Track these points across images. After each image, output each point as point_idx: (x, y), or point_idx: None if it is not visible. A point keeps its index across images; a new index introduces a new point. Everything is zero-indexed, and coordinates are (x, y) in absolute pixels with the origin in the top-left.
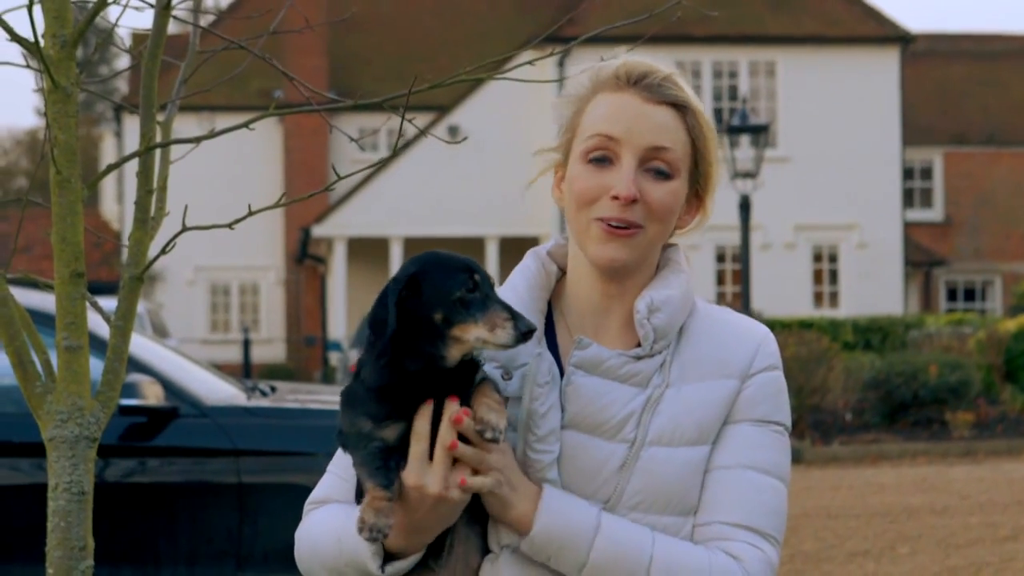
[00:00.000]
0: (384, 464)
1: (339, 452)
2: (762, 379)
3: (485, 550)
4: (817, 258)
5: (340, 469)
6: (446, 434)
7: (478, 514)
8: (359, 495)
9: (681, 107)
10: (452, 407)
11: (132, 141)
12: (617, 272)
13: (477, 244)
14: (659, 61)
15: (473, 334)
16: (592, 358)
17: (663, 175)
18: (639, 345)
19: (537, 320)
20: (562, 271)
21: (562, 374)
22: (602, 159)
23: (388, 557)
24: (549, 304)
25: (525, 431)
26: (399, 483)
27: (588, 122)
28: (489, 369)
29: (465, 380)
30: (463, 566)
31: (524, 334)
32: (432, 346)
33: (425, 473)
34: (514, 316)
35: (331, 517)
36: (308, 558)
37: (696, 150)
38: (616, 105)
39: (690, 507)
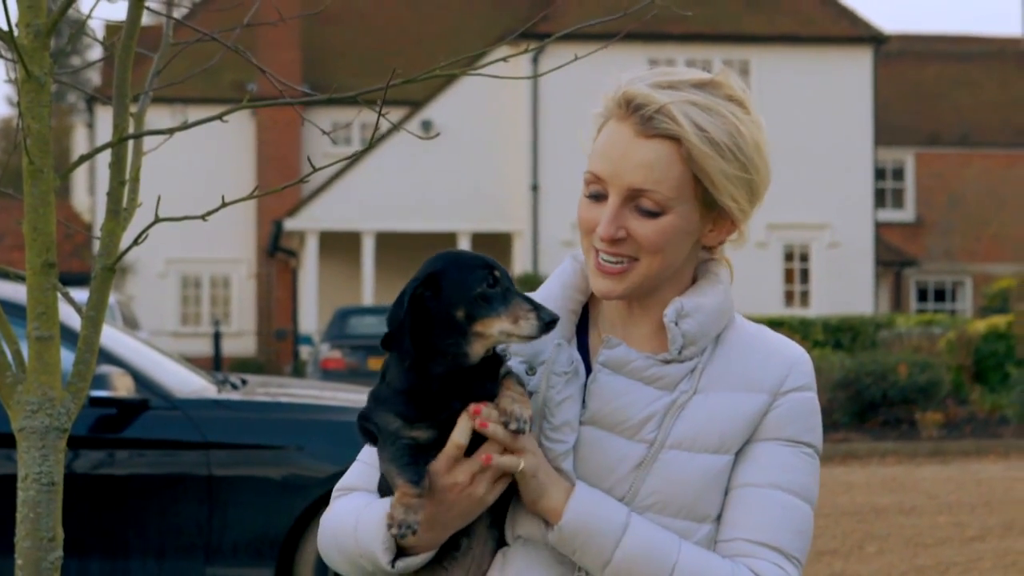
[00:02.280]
0: (413, 460)
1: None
2: (795, 399)
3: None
4: (788, 257)
5: (369, 457)
6: (462, 432)
7: (498, 517)
8: (382, 490)
9: (677, 139)
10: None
11: (104, 132)
12: (608, 299)
13: (449, 239)
14: (669, 81)
15: (497, 327)
16: (619, 358)
17: (651, 213)
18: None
19: (565, 316)
20: None
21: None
22: (595, 195)
23: (400, 553)
24: (586, 307)
25: (540, 419)
26: (428, 479)
27: (593, 151)
28: (514, 364)
29: (490, 378)
30: (476, 568)
31: (547, 324)
32: (455, 344)
33: (454, 467)
34: (536, 307)
35: (352, 506)
36: (328, 544)
37: (699, 180)
38: (611, 140)
39: (703, 514)
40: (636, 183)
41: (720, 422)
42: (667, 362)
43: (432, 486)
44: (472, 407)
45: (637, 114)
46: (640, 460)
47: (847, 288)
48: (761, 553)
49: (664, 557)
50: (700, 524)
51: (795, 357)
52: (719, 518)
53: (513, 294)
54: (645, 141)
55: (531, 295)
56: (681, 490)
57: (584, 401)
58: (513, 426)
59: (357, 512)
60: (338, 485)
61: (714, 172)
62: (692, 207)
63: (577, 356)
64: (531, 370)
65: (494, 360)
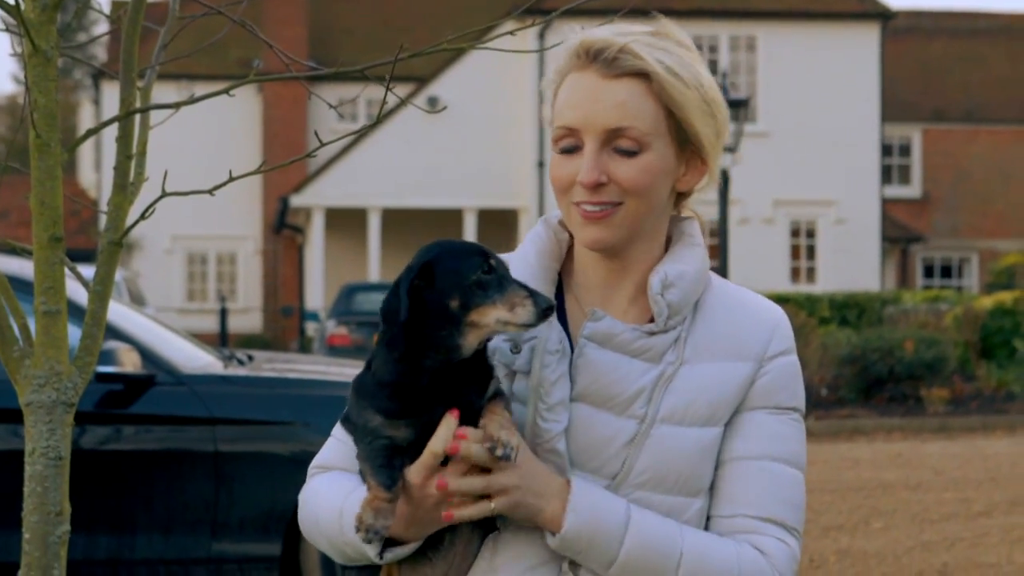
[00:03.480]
0: (388, 462)
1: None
2: (779, 364)
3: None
4: (795, 233)
5: (344, 434)
6: (441, 440)
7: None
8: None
9: (644, 75)
10: (450, 422)
11: (110, 108)
12: (608, 252)
13: (455, 216)
14: (621, 30)
15: (493, 316)
16: (605, 331)
17: (629, 152)
18: (651, 319)
19: (549, 292)
20: (572, 239)
21: (571, 346)
22: (569, 148)
23: (387, 543)
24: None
25: (535, 399)
26: (401, 483)
27: (557, 108)
28: (498, 342)
29: (477, 383)
30: (461, 559)
31: (544, 311)
32: (449, 335)
33: (430, 478)
34: (532, 294)
35: (334, 489)
36: (311, 527)
37: (673, 115)
38: (576, 88)
39: (696, 488)
40: (612, 123)
41: (708, 393)
42: (652, 333)
43: (407, 490)
44: (458, 430)
45: (599, 59)
46: (632, 436)
47: (853, 264)
48: (763, 528)
49: (669, 547)
50: (693, 499)
51: (776, 319)
52: (711, 490)
53: (509, 281)
54: (613, 82)
55: (506, 258)
56: (674, 466)
57: (571, 377)
58: (499, 452)
59: (341, 501)
60: (314, 462)
61: (686, 103)
62: (667, 144)
63: (562, 331)
64: (516, 348)
65: (483, 362)
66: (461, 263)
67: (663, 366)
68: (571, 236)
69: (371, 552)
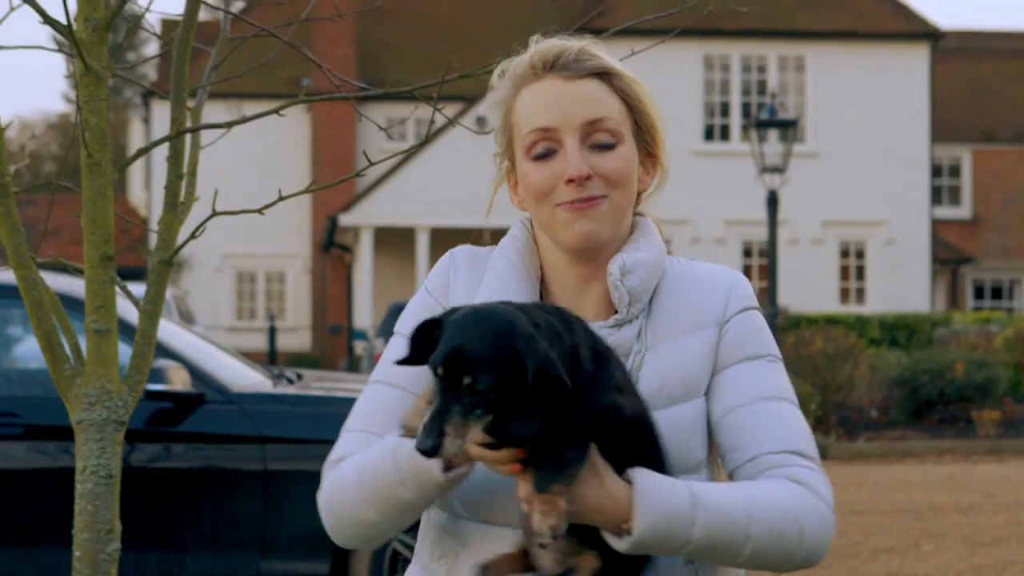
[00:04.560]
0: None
1: (356, 409)
2: (738, 321)
3: None
4: (844, 254)
5: (359, 423)
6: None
7: None
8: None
9: (604, 74)
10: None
11: (160, 127)
12: (592, 248)
13: (503, 236)
14: (569, 39)
15: None
16: None
17: (608, 146)
18: (616, 314)
19: (533, 286)
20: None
21: None
22: (546, 152)
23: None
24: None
25: None
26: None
27: (520, 119)
28: None
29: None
30: None
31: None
32: None
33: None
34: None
35: (370, 452)
36: (345, 505)
37: (633, 110)
38: (540, 94)
39: (696, 462)
40: (589, 115)
41: (677, 370)
42: (619, 325)
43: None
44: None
45: (557, 64)
46: None
47: (903, 285)
48: (788, 461)
49: (736, 513)
50: (695, 475)
51: (730, 283)
52: (717, 458)
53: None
54: (577, 82)
55: (491, 255)
56: (667, 448)
57: None
58: (540, 542)
59: (383, 448)
60: (331, 458)
61: (644, 97)
62: (632, 140)
63: None
64: None
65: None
66: None
67: (632, 356)
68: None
69: (435, 469)
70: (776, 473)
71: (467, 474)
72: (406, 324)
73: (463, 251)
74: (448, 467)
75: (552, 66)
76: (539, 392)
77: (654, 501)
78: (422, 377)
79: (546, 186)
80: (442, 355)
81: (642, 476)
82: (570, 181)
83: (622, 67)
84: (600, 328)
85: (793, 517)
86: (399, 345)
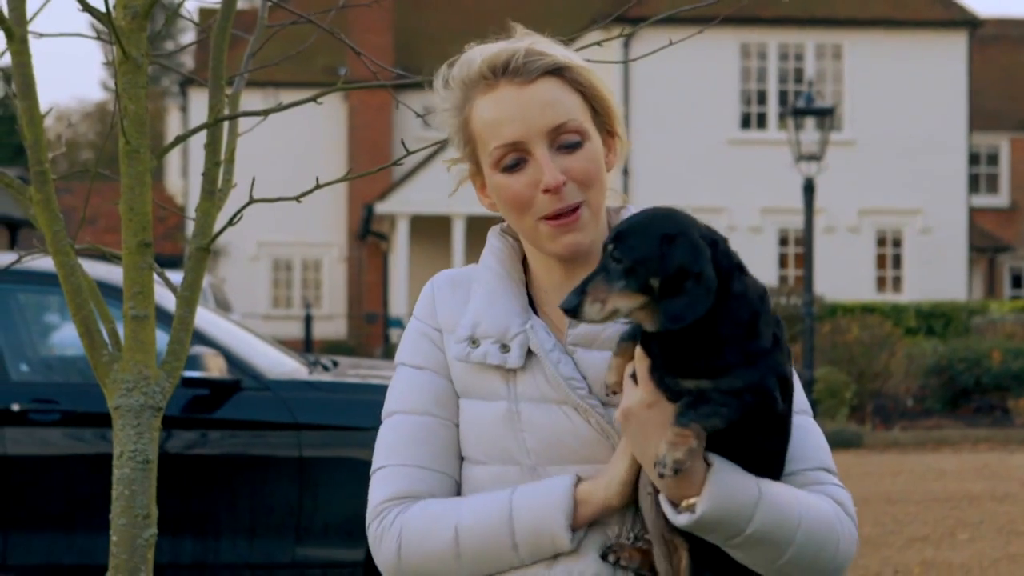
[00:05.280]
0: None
1: (388, 444)
2: None
3: None
4: (881, 242)
5: (400, 458)
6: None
7: None
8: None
9: (556, 71)
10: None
11: (197, 115)
12: (582, 255)
13: None
14: (507, 43)
15: None
16: (587, 332)
17: (575, 145)
18: None
19: (521, 292)
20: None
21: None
22: (516, 163)
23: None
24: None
25: (568, 394)
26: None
27: (482, 131)
28: (487, 346)
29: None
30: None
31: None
32: None
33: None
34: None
35: (471, 509)
36: (430, 560)
37: (588, 98)
38: (498, 106)
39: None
40: (555, 120)
41: None
42: (626, 322)
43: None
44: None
45: (508, 71)
46: None
47: (940, 274)
48: (823, 478)
49: (790, 520)
50: None
51: None
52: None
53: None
54: (531, 87)
55: (473, 270)
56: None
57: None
58: (658, 470)
59: (495, 508)
60: (387, 495)
61: (595, 81)
62: (594, 130)
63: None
64: (505, 348)
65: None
66: None
67: None
68: (519, 243)
69: (564, 537)
70: (817, 490)
71: (572, 546)
72: (406, 354)
73: (442, 275)
74: (574, 529)
75: (504, 71)
76: (682, 280)
77: (725, 488)
78: (445, 401)
79: (523, 198)
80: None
81: (719, 461)
82: (546, 191)
83: (570, 57)
84: (612, 326)
85: (834, 533)
86: (408, 376)
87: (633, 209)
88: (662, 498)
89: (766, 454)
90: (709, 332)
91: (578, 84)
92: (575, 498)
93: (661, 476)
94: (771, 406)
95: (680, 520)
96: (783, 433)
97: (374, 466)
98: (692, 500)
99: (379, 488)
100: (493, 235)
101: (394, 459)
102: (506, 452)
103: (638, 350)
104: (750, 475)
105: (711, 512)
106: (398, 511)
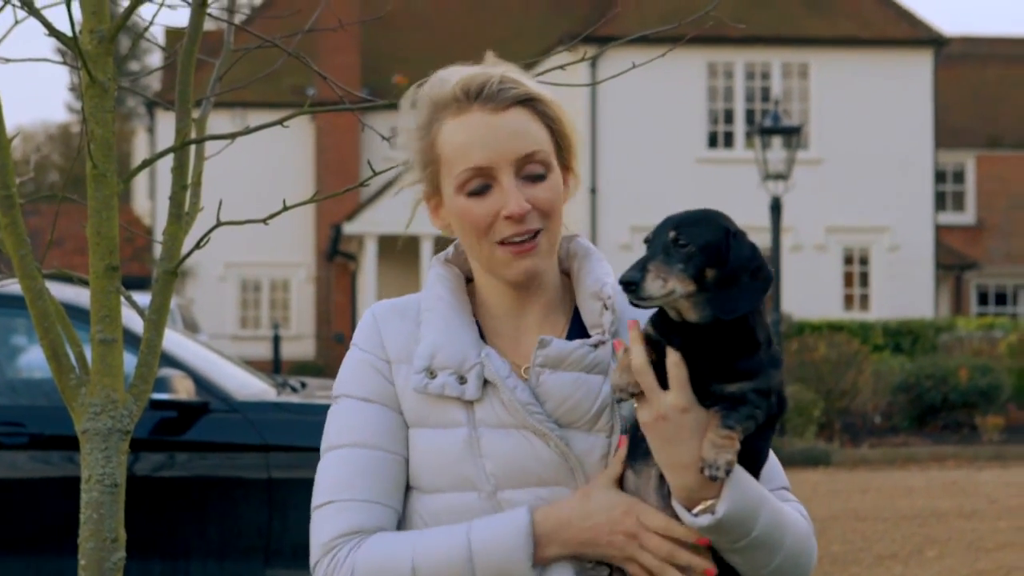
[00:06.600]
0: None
1: (336, 478)
2: None
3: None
4: (848, 260)
5: (351, 493)
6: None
7: None
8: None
9: (528, 101)
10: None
11: (165, 137)
12: (535, 281)
13: None
14: (485, 66)
15: None
16: (556, 354)
17: (539, 176)
18: (578, 335)
19: (470, 325)
20: (468, 277)
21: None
22: (481, 189)
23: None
24: None
25: (525, 418)
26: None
27: (449, 154)
28: (444, 377)
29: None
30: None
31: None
32: None
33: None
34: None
35: (428, 544)
36: None
37: (554, 132)
38: (469, 130)
39: None
40: (522, 150)
41: None
42: (597, 345)
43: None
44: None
45: (482, 95)
46: (604, 451)
47: (907, 291)
48: (787, 496)
49: (786, 524)
50: None
51: None
52: None
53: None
54: (503, 114)
55: (418, 299)
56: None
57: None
58: (707, 472)
59: (454, 543)
60: (345, 530)
61: (562, 116)
62: (556, 164)
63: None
64: (462, 379)
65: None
66: None
67: (609, 376)
68: (464, 273)
69: (525, 565)
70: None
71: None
72: (350, 386)
73: (383, 305)
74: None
75: (478, 95)
76: (740, 274)
77: (743, 488)
78: (395, 435)
79: (484, 224)
80: (656, 226)
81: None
82: (509, 217)
83: (542, 90)
84: (581, 347)
85: (811, 541)
86: (354, 408)
87: (584, 240)
88: (675, 503)
89: (755, 453)
90: (747, 332)
91: (547, 117)
92: (535, 536)
93: (714, 479)
94: (781, 407)
95: (701, 522)
96: (770, 433)
97: (318, 501)
98: (709, 502)
99: (328, 523)
100: (439, 264)
101: (345, 494)
102: (464, 479)
103: (675, 355)
104: (751, 476)
105: (731, 513)
106: (351, 547)
